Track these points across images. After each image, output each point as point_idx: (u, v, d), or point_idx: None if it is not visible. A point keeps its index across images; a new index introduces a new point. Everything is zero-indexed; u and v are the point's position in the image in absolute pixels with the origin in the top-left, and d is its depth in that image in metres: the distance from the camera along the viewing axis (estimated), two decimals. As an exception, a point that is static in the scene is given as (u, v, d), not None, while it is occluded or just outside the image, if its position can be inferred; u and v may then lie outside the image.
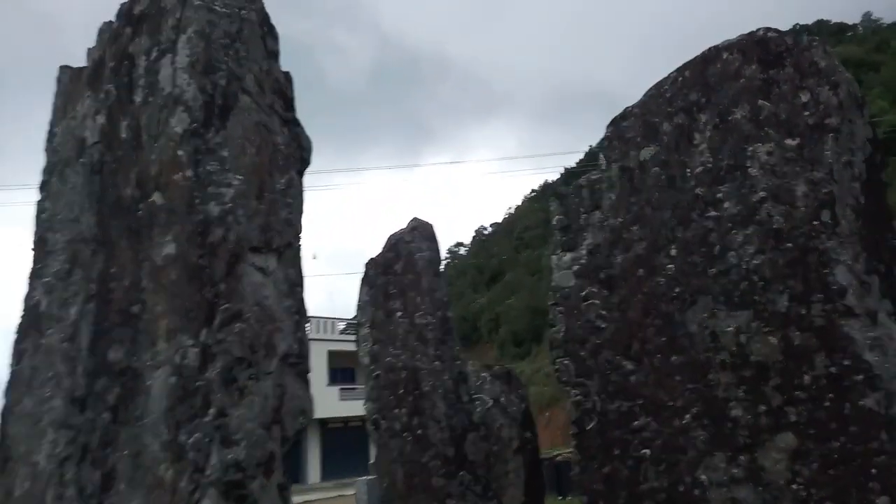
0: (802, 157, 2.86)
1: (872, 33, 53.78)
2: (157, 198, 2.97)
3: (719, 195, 3.05)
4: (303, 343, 2.97)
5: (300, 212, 3.20)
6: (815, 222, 2.78)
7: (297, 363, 2.93)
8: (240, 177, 2.92)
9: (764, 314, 2.83)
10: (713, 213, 3.05)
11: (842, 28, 58.79)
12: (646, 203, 3.31)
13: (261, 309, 2.82)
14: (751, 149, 2.99)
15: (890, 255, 2.89)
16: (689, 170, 3.18)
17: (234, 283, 2.77)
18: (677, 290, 3.11)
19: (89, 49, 3.76)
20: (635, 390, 3.17)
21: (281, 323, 2.89)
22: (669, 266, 3.16)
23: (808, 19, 60.61)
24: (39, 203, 3.82)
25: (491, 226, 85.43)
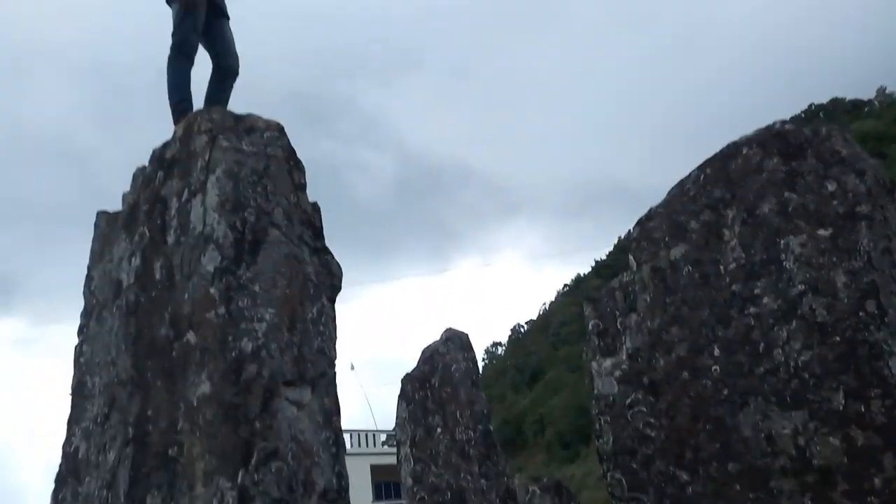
0: (837, 247, 2.80)
1: (889, 107, 54.13)
2: (190, 337, 2.99)
3: (757, 291, 2.98)
4: (341, 477, 2.89)
5: (333, 339, 3.18)
6: (860, 314, 2.69)
7: (337, 499, 2.84)
8: (272, 310, 2.93)
9: (820, 413, 2.70)
10: (753, 310, 2.97)
11: (857, 105, 59.27)
12: (682, 303, 3.25)
13: (297, 444, 2.76)
14: (783, 241, 2.94)
15: (944, 341, 2.76)
16: (722, 267, 3.12)
17: (270, 419, 2.72)
18: (725, 391, 2.99)
19: (124, 194, 3.90)
20: (693, 502, 3.00)
21: (318, 458, 2.82)
22: (714, 367, 3.06)
23: (822, 98, 61.25)
24: (77, 347, 3.87)
25: (526, 323, 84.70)
